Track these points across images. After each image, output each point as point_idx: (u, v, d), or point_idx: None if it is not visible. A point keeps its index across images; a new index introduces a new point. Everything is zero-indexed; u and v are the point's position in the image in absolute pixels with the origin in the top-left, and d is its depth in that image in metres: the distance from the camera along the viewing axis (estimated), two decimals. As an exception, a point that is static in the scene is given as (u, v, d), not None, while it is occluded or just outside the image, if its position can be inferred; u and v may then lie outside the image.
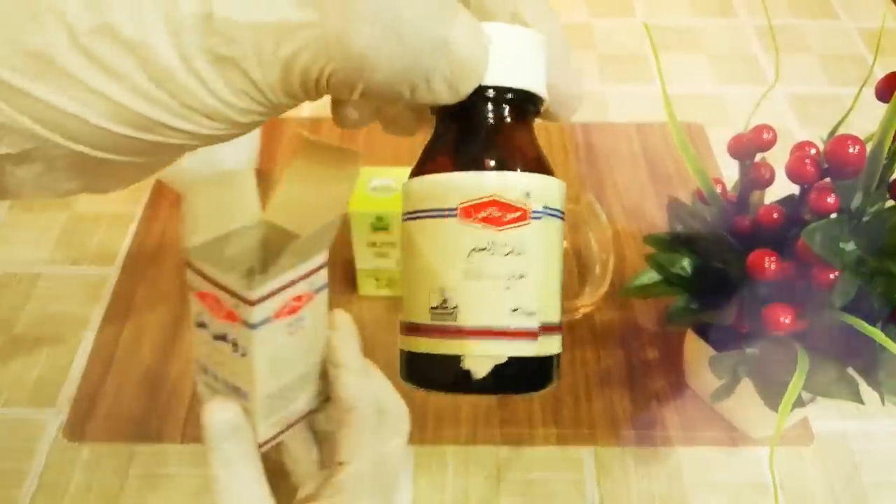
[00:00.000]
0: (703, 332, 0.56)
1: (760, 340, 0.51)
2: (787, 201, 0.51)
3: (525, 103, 0.24)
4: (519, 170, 0.23)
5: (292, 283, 0.33)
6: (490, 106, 0.24)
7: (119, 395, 0.61)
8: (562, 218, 0.24)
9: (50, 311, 0.68)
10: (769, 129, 0.50)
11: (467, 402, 0.61)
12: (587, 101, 0.91)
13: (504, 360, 0.23)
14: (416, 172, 0.24)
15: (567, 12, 1.07)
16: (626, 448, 0.60)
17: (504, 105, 0.24)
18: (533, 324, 0.23)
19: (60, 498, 0.56)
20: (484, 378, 0.23)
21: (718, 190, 0.52)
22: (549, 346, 0.24)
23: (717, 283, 0.52)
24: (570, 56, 0.26)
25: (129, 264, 0.71)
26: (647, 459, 0.59)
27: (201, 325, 0.34)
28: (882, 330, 0.46)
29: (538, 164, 0.24)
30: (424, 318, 0.23)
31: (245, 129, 0.21)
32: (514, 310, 0.23)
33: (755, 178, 0.51)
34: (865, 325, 0.43)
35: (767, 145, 0.50)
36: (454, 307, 0.22)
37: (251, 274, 0.33)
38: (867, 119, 0.47)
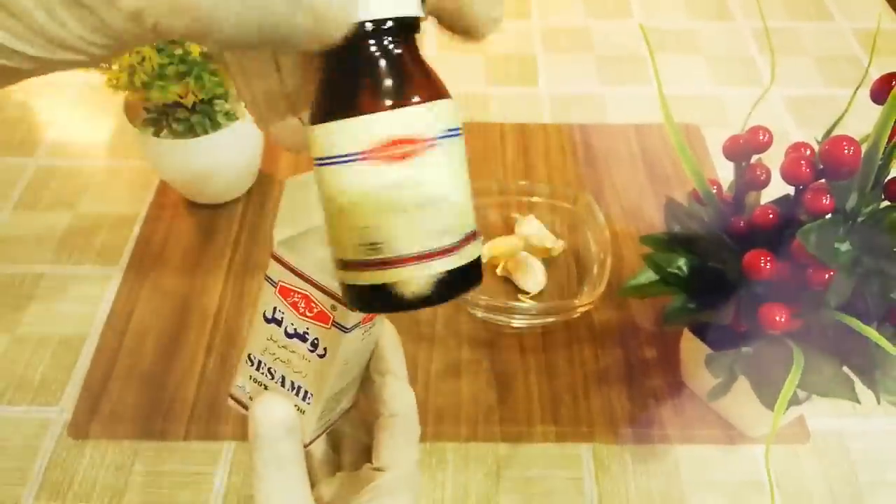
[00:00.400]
0: (700, 331, 0.57)
1: (756, 339, 0.52)
2: (783, 201, 0.51)
3: (405, 29, 0.24)
4: (414, 102, 0.23)
5: None
6: (371, 42, 0.23)
7: (123, 393, 0.62)
8: (460, 133, 0.25)
9: (53, 310, 0.69)
10: (765, 130, 0.51)
11: (467, 400, 0.62)
12: (586, 102, 0.92)
13: (435, 278, 0.24)
14: (314, 118, 0.24)
15: (565, 14, 1.07)
16: (625, 446, 0.60)
17: (384, 37, 0.23)
18: (454, 239, 0.24)
19: (64, 495, 0.57)
20: (421, 295, 0.24)
21: (714, 191, 0.53)
22: (472, 251, 0.26)
23: (713, 283, 0.53)
24: None
25: (132, 264, 0.72)
26: (645, 457, 0.60)
27: (273, 320, 0.34)
28: (877, 329, 0.47)
29: (430, 91, 0.24)
30: (354, 255, 0.24)
31: (104, 58, 0.21)
32: (435, 232, 0.24)
33: (751, 179, 0.51)
34: (860, 324, 0.43)
35: (763, 147, 0.51)
36: (380, 243, 0.23)
37: None
38: (862, 120, 0.48)
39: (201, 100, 0.67)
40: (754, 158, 0.52)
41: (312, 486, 0.37)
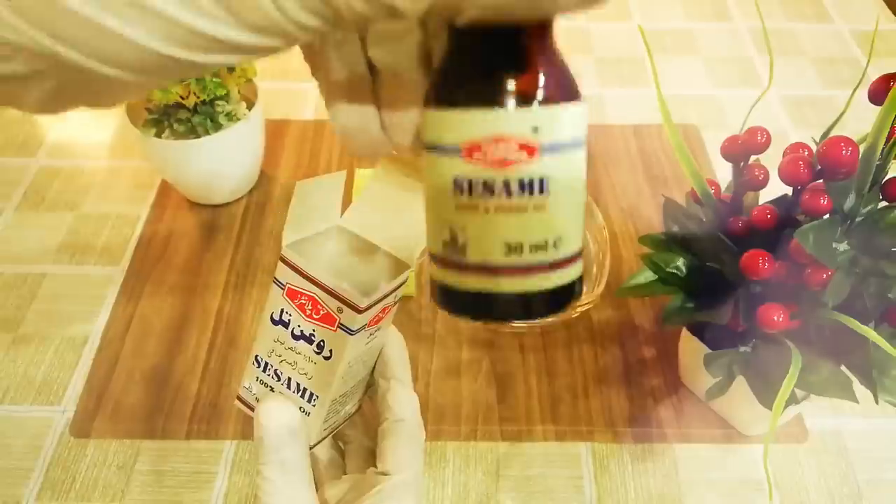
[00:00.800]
0: (699, 331, 0.57)
1: (755, 339, 0.52)
2: (781, 202, 0.51)
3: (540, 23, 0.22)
4: (525, 103, 0.21)
5: (386, 295, 0.33)
6: (494, 31, 0.21)
7: (124, 392, 0.62)
8: (581, 146, 0.22)
9: (56, 309, 0.69)
10: (763, 131, 0.51)
11: (467, 399, 0.62)
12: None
13: (513, 296, 0.22)
14: (426, 101, 0.23)
15: (564, 17, 1.07)
16: (623, 445, 0.61)
17: (510, 29, 0.21)
18: (544, 258, 0.22)
19: (66, 494, 0.57)
20: (499, 311, 0.23)
21: (713, 191, 0.53)
22: (565, 275, 0.23)
23: (711, 283, 0.53)
24: None
25: (134, 264, 0.72)
26: (644, 456, 0.60)
27: (279, 322, 0.35)
28: (875, 329, 0.47)
29: (550, 92, 0.21)
30: (438, 251, 0.23)
31: (292, 45, 0.20)
32: (522, 247, 0.22)
33: (749, 180, 0.51)
34: (858, 324, 0.43)
35: (761, 147, 0.51)
36: (463, 244, 0.22)
37: (362, 283, 0.34)
38: (860, 121, 0.48)
39: (203, 101, 0.67)
40: (752, 159, 0.52)
41: (317, 488, 0.37)
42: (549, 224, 0.22)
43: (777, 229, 0.49)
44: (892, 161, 0.45)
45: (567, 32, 1.04)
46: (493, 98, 0.21)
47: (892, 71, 0.45)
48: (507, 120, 0.20)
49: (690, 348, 0.59)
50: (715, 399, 0.54)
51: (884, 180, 0.46)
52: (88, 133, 0.87)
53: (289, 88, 0.93)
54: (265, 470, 0.33)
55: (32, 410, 0.62)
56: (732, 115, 0.91)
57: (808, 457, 0.60)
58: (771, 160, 0.51)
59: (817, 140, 0.49)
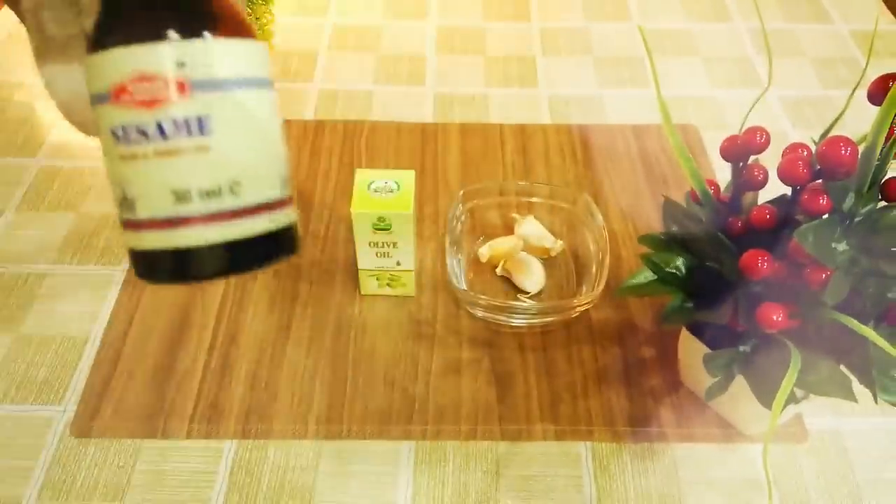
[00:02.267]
0: (698, 330, 0.57)
1: (754, 339, 0.52)
2: (780, 202, 0.51)
3: None
4: (165, 37, 0.19)
5: None
6: None
7: (125, 391, 0.62)
8: (258, 86, 0.20)
9: (57, 309, 0.69)
10: (762, 131, 0.51)
11: (467, 399, 0.62)
12: (585, 103, 0.92)
13: (176, 248, 0.20)
14: (87, 50, 0.21)
15: (564, 16, 1.08)
16: (623, 444, 0.61)
17: None
18: (221, 205, 0.20)
19: (67, 494, 0.57)
20: (190, 268, 0.21)
21: (712, 191, 0.53)
22: (257, 225, 0.21)
23: (711, 283, 0.53)
24: None
25: (133, 264, 0.72)
26: (644, 455, 0.60)
27: None
28: (874, 328, 0.47)
29: (197, 25, 0.20)
30: (120, 214, 0.21)
31: None
32: (190, 193, 0.20)
33: (748, 180, 0.52)
34: (858, 324, 0.44)
35: (760, 147, 0.51)
36: (132, 199, 0.20)
37: None
38: (859, 121, 0.48)
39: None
40: (752, 159, 0.52)
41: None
42: (219, 167, 0.20)
43: (776, 229, 0.49)
44: (891, 161, 0.45)
45: (567, 32, 1.04)
46: (132, 34, 0.19)
47: (891, 71, 0.45)
48: (148, 55, 0.18)
49: (690, 348, 0.59)
50: (714, 399, 0.54)
51: (883, 180, 0.46)
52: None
53: (289, 88, 0.93)
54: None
55: (33, 410, 0.62)
56: (732, 116, 0.91)
57: (807, 456, 0.60)
58: (770, 160, 0.51)
59: (816, 140, 0.49)
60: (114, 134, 0.19)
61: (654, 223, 0.76)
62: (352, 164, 0.82)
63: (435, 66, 0.98)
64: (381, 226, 0.61)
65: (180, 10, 0.19)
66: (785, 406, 0.45)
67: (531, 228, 0.73)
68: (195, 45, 0.19)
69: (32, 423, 0.61)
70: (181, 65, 0.19)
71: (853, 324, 0.44)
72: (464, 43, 1.03)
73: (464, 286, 0.69)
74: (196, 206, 0.19)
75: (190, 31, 0.19)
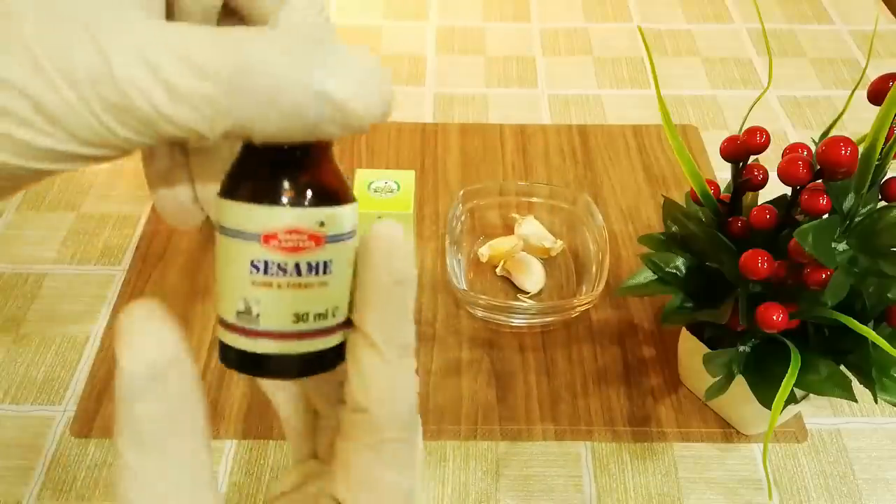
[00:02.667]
0: (698, 330, 0.57)
1: (754, 339, 0.52)
2: (780, 202, 0.51)
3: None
4: (314, 203, 0.25)
5: None
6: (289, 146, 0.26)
7: (124, 392, 0.62)
8: (355, 235, 0.27)
9: (57, 309, 0.69)
10: (762, 131, 0.51)
11: (467, 399, 0.62)
12: (585, 103, 0.92)
13: (298, 356, 0.26)
14: (224, 192, 0.26)
15: (564, 17, 1.08)
16: (623, 444, 0.61)
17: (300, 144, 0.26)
18: (325, 324, 0.26)
19: (67, 494, 0.57)
20: (287, 369, 0.26)
21: (712, 191, 0.53)
22: (340, 336, 0.27)
23: (711, 283, 0.53)
24: (356, 59, 0.24)
25: (135, 264, 0.72)
26: (643, 455, 0.60)
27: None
28: (874, 328, 0.47)
29: (333, 196, 0.26)
30: (231, 318, 0.26)
31: (127, 154, 0.22)
32: (308, 315, 0.26)
33: (748, 180, 0.52)
34: (857, 323, 0.44)
35: (760, 148, 0.51)
36: (257, 314, 0.25)
37: None
38: (859, 121, 0.48)
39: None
40: (752, 159, 0.52)
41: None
42: (331, 297, 0.26)
43: (776, 229, 0.49)
44: (891, 161, 0.45)
45: (567, 33, 1.04)
46: (290, 198, 0.25)
47: (892, 71, 0.45)
48: (301, 216, 0.25)
49: (690, 348, 0.59)
50: (714, 398, 0.54)
51: (883, 180, 0.46)
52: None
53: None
54: (119, 443, 0.21)
55: (33, 410, 0.62)
56: (732, 116, 0.91)
57: (807, 456, 0.60)
58: (770, 160, 0.51)
59: (816, 140, 0.49)
60: (253, 265, 0.25)
61: (654, 223, 0.76)
62: (352, 165, 0.82)
63: (435, 66, 0.98)
64: (382, 226, 0.61)
65: (323, 183, 0.26)
66: (785, 406, 0.45)
67: (531, 228, 0.73)
68: (334, 209, 0.26)
69: (32, 423, 0.61)
70: (321, 224, 0.25)
71: (853, 324, 0.44)
72: (464, 43, 1.03)
73: (464, 286, 0.69)
74: (309, 325, 0.26)
75: (329, 199, 0.26)
